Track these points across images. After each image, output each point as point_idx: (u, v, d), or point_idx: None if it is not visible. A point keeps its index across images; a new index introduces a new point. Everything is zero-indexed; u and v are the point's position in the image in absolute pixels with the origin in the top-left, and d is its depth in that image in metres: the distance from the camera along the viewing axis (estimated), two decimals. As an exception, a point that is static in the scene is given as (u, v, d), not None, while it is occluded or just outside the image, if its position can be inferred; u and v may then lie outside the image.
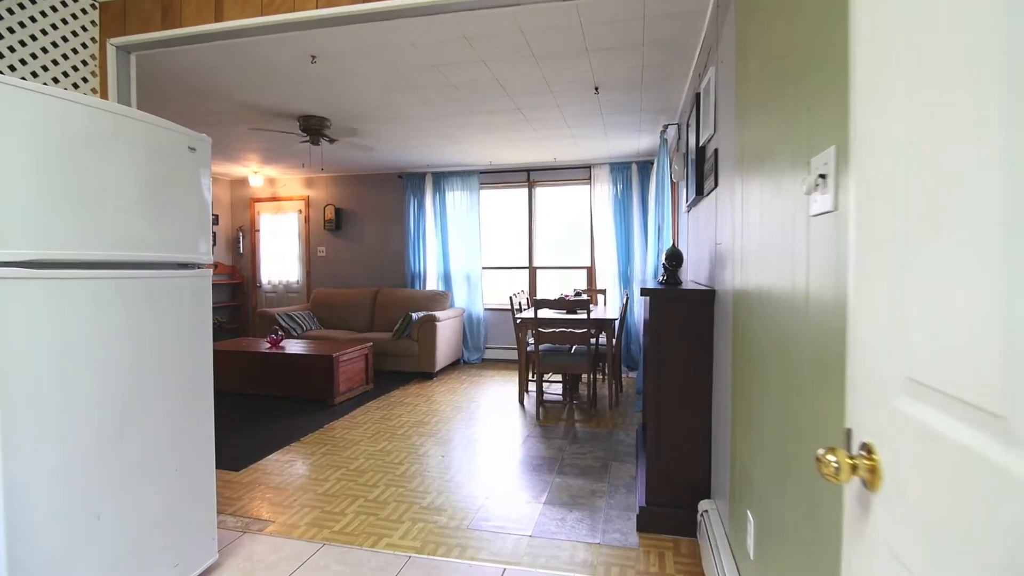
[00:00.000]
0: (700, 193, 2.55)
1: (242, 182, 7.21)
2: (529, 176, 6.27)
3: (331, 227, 6.83)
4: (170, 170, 1.89)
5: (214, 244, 7.21)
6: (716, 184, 2.18)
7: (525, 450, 3.38)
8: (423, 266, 6.45)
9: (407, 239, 6.47)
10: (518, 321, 4.49)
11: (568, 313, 4.46)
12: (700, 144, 2.53)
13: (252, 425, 3.87)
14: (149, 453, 1.79)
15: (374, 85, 3.48)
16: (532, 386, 4.88)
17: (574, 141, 5.04)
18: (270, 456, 3.28)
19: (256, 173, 6.59)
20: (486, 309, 6.35)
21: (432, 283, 6.46)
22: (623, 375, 5.45)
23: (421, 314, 5.55)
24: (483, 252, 6.35)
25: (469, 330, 6.30)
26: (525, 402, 4.52)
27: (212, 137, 5.18)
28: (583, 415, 4.15)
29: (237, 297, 7.30)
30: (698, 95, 2.58)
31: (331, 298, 6.39)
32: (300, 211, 7.07)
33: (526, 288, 6.36)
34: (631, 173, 5.82)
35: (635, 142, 5.13)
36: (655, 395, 2.29)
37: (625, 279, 5.86)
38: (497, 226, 6.53)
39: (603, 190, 5.94)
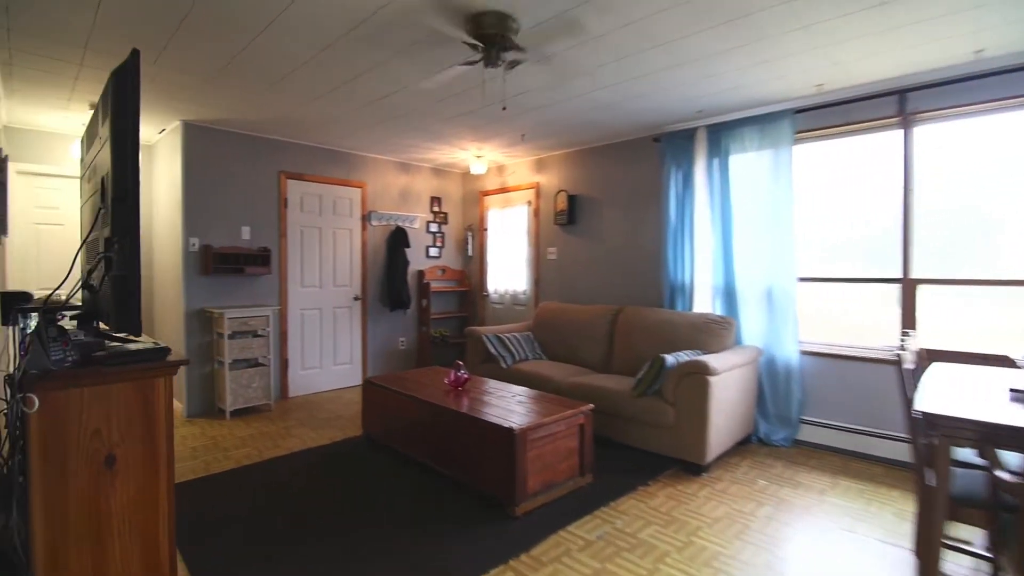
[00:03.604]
0: None
1: (473, 175, 6.17)
2: (902, 103, 3.26)
3: (563, 220, 5.11)
4: None
5: (442, 246, 6.41)
6: None
7: None
8: (689, 274, 4.11)
9: (664, 233, 4.23)
10: (918, 415, 1.80)
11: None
12: None
13: (364, 542, 2.33)
14: None
15: None
16: (947, 561, 2.09)
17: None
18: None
19: (479, 157, 5.37)
20: (805, 352, 3.61)
21: (703, 301, 4.05)
22: None
23: (683, 358, 3.27)
24: (799, 252, 3.64)
25: (770, 387, 3.68)
26: (941, 625, 1.81)
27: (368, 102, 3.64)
28: None
29: (464, 307, 6.29)
30: None
31: (557, 317, 4.64)
32: (529, 202, 5.58)
33: (896, 317, 3.35)
34: None
35: None
36: None
37: None
38: (827, 205, 3.70)
39: None
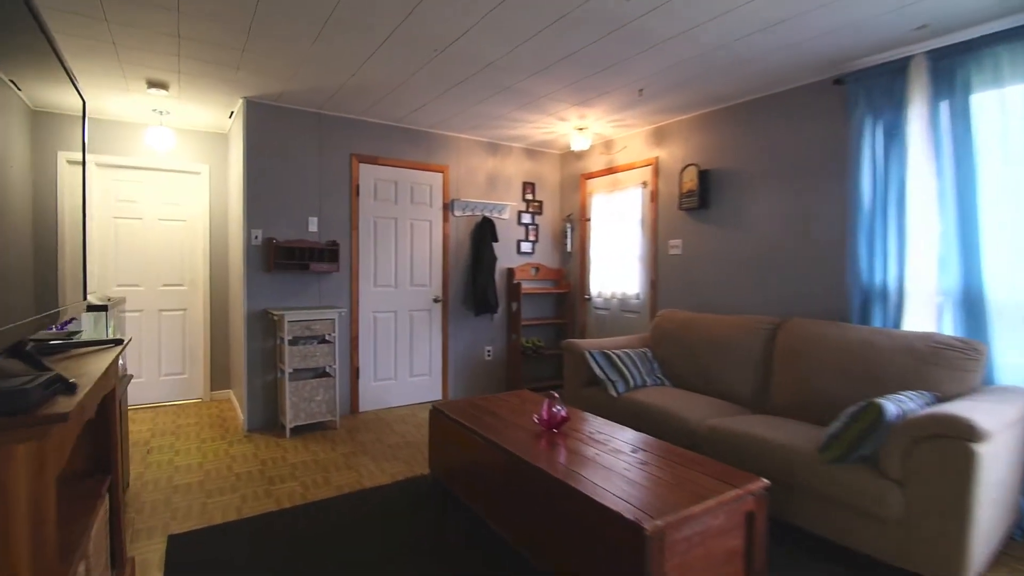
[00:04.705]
0: None
1: (574, 154, 5.20)
2: None
3: (691, 204, 3.96)
4: None
5: (536, 240, 5.44)
6: None
7: None
8: (894, 274, 2.80)
9: (853, 215, 2.95)
10: None
11: None
12: None
13: None
14: None
15: None
16: None
17: None
18: None
19: (581, 130, 4.38)
20: None
21: (920, 314, 2.72)
22: None
23: (910, 406, 2.05)
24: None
25: (1055, 455, 2.30)
26: None
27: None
28: None
29: (562, 312, 5.33)
30: None
31: (685, 329, 3.53)
32: (644, 183, 4.48)
33: None
34: None
35: None
36: None
37: None
38: None
39: None
